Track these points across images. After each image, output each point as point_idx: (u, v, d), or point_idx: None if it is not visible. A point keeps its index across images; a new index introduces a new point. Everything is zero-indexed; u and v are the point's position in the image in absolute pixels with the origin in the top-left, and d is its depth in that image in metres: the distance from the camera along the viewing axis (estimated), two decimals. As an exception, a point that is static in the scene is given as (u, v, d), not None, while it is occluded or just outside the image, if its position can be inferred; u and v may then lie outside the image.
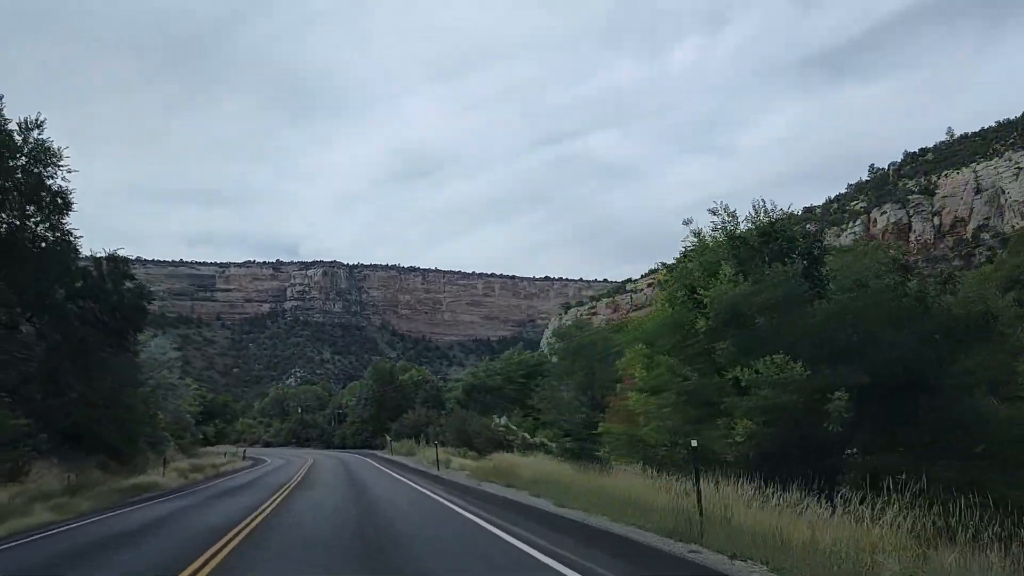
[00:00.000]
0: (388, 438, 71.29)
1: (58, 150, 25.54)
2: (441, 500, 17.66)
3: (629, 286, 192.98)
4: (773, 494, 11.85)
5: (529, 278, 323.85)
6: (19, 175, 24.88)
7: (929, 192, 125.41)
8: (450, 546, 10.68)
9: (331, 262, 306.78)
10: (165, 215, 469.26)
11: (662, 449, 17.60)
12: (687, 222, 19.58)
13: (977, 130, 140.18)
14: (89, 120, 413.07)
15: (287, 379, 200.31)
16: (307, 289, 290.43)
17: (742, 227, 18.70)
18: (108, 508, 18.96)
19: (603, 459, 29.94)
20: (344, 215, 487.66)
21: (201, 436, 75.34)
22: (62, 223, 25.48)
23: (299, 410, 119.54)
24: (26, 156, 25.03)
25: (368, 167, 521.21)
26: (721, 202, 18.58)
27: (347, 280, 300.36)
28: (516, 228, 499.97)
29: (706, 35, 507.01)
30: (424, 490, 21.26)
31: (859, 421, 15.17)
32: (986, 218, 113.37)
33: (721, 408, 16.33)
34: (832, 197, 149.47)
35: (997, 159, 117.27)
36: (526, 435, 47.09)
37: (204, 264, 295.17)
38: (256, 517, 14.49)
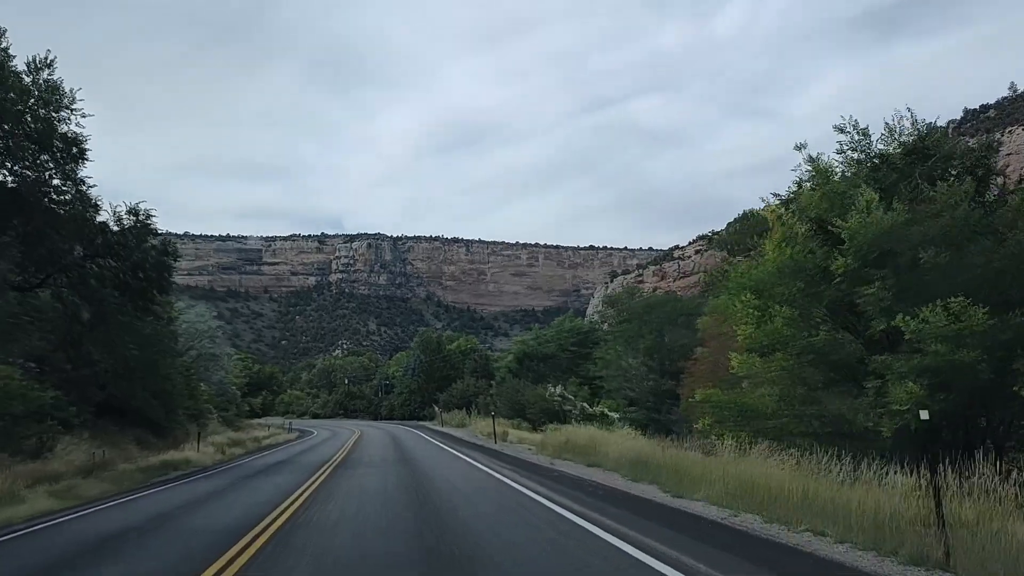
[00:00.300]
0: (437, 409, 69.05)
1: (71, 91, 22.90)
2: (516, 486, 14.22)
3: (677, 253, 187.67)
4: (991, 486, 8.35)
5: (573, 247, 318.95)
6: (28, 119, 22.27)
7: (993, 150, 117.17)
8: (556, 566, 7.44)
9: (375, 234, 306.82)
10: (212, 190, 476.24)
11: (784, 420, 14.14)
12: (800, 146, 15.90)
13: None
14: (139, 97, 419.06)
15: (334, 351, 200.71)
16: (352, 262, 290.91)
17: (876, 148, 15.00)
18: (121, 492, 16.34)
19: (678, 432, 26.65)
20: (387, 187, 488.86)
21: (247, 408, 74.29)
22: (76, 173, 22.88)
23: (346, 381, 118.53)
24: (35, 99, 22.41)
25: (411, 139, 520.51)
26: (850, 116, 14.84)
27: (391, 252, 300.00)
28: (560, 197, 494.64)
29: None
30: (489, 470, 17.91)
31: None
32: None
33: (866, 369, 12.84)
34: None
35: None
36: (585, 405, 43.96)
37: (251, 238, 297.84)
38: (285, 511, 11.54)
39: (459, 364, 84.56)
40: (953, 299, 11.30)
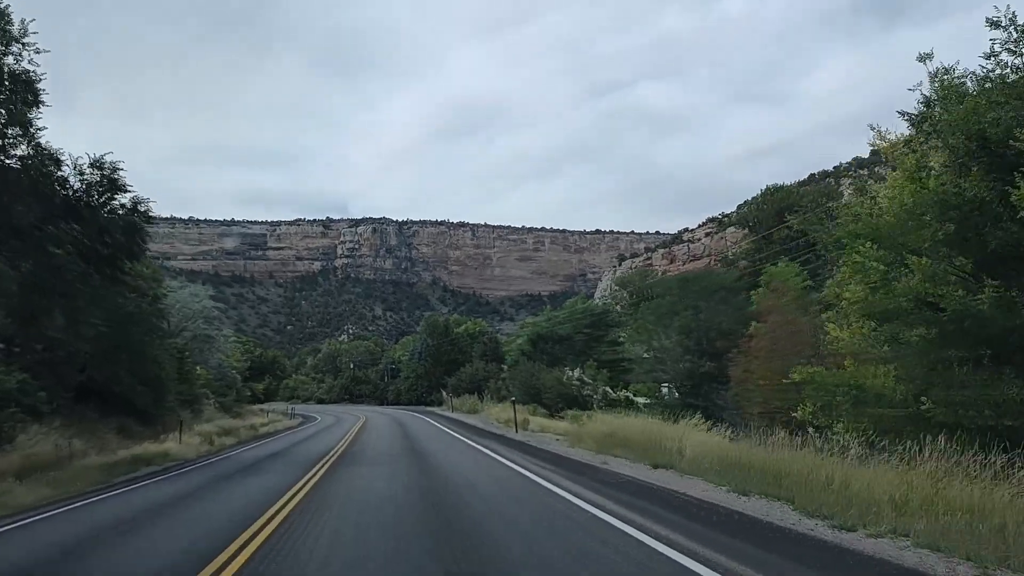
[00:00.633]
0: (447, 394, 65.76)
1: (23, 22, 19.37)
2: (572, 498, 10.33)
3: (686, 236, 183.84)
4: None
5: (579, 231, 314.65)
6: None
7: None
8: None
9: (380, 219, 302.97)
10: (217, 176, 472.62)
11: (922, 407, 10.65)
12: (924, 57, 12.31)
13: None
14: (146, 86, 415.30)
15: (339, 336, 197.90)
16: (357, 246, 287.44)
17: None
18: (58, 500, 12.75)
19: (730, 420, 23.15)
20: (393, 173, 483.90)
21: (248, 393, 71.08)
22: (28, 122, 19.39)
23: (351, 366, 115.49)
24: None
25: (417, 124, 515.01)
26: (1007, 7, 11.23)
27: (397, 237, 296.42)
28: (566, 182, 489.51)
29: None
30: (525, 471, 14.07)
31: None
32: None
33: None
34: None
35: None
36: (608, 389, 40.52)
37: (255, 223, 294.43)
38: (253, 537, 8.11)
39: (467, 348, 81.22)
40: None
